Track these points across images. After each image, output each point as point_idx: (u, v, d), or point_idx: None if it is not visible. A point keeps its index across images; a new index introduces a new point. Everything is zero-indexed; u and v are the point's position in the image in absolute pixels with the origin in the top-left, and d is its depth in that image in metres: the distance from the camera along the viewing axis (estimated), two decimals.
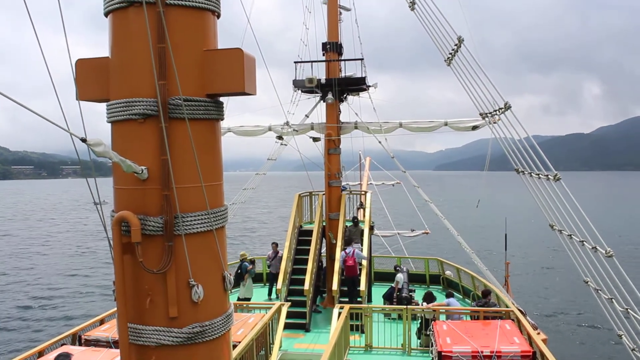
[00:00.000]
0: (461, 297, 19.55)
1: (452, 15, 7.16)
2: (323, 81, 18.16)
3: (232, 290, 18.24)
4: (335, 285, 16.06)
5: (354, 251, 16.52)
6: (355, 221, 18.88)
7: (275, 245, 20.34)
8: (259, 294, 19.71)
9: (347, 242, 17.43)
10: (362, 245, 17.88)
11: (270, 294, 19.70)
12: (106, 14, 3.98)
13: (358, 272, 16.40)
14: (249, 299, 18.76)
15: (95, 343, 11.20)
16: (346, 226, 18.57)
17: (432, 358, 11.48)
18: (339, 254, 16.95)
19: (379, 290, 19.89)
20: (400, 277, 17.87)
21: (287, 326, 13.95)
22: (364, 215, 20.40)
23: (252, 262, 20.19)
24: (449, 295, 15.13)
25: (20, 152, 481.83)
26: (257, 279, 20.32)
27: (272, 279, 19.75)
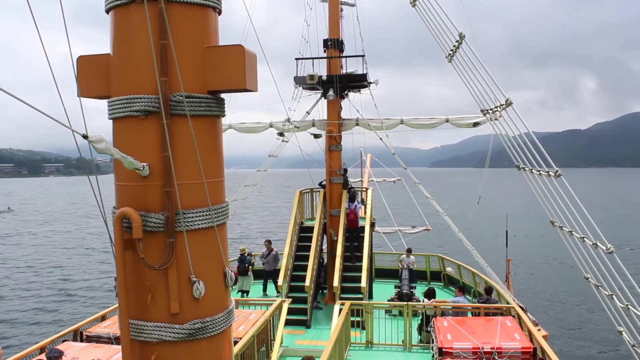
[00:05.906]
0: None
1: (448, 12, 7.11)
2: (324, 78, 18.14)
3: (233, 287, 18.33)
4: (336, 282, 16.08)
5: (355, 206, 18.47)
6: None
7: (268, 242, 20.39)
8: (254, 290, 19.76)
9: (351, 198, 18.60)
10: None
11: (264, 290, 19.76)
12: (107, 11, 3.98)
13: (358, 225, 18.46)
14: (247, 292, 18.95)
15: (97, 339, 11.24)
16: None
17: (433, 354, 11.51)
18: (340, 251, 17.05)
19: (380, 287, 19.92)
20: (405, 258, 20.21)
21: (288, 323, 13.97)
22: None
23: (250, 255, 20.30)
24: (460, 290, 14.99)
25: (3, 150, 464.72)
26: (256, 275, 20.31)
27: (266, 276, 19.87)
